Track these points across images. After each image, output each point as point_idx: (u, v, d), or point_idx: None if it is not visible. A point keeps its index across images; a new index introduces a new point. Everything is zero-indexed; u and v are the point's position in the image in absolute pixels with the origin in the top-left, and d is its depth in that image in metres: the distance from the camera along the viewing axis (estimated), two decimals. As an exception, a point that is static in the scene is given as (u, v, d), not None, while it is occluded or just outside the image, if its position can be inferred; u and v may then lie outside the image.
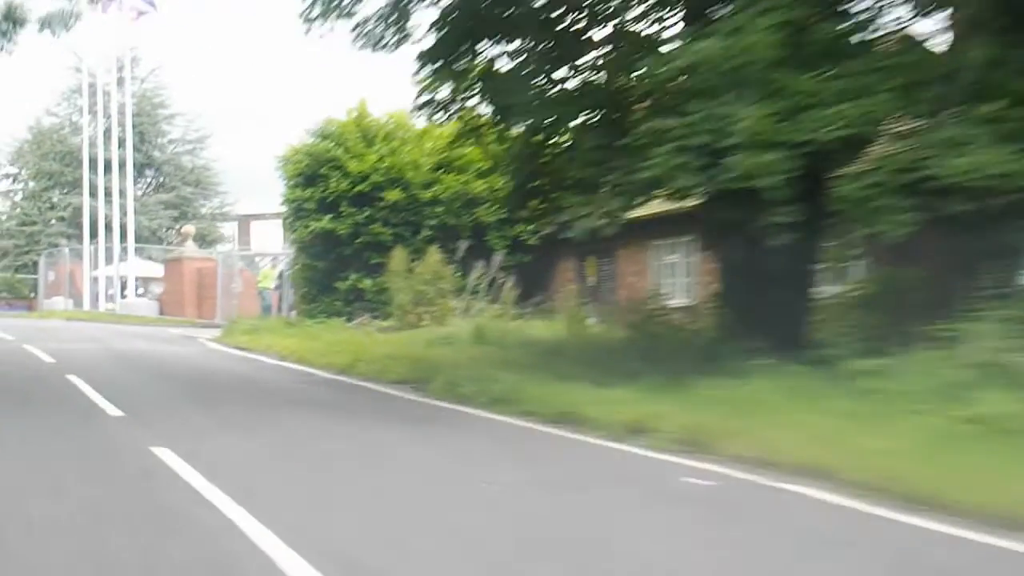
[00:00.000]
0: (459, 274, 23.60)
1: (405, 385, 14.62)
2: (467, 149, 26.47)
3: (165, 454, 8.71)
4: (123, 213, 41.65)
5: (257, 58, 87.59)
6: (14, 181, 53.40)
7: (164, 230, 50.64)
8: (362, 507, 6.99)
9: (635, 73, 12.69)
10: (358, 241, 25.56)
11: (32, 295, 48.87)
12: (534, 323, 20.24)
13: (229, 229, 55.80)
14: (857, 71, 11.07)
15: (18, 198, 53.20)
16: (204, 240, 46.82)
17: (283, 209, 27.40)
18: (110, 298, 41.15)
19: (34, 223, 51.09)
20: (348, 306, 25.79)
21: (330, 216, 25.64)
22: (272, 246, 53.21)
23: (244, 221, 57.45)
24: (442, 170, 26.25)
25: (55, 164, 50.95)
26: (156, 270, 42.94)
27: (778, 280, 13.16)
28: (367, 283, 25.62)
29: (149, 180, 52.62)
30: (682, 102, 11.14)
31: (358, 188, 25.53)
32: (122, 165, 41.93)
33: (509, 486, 7.71)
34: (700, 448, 8.95)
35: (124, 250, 41.10)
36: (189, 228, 42.78)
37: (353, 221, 25.51)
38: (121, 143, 42.21)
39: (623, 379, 12.13)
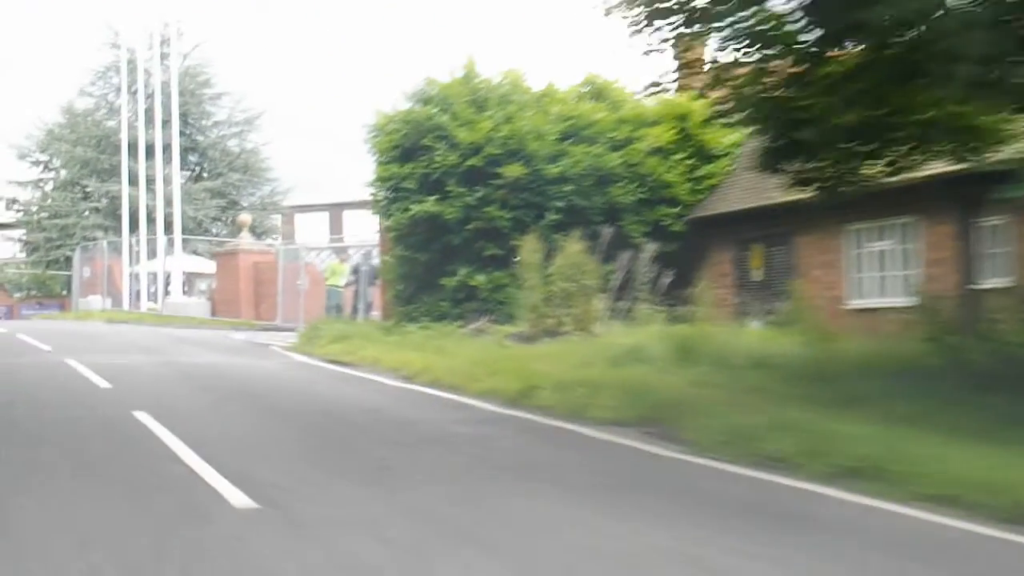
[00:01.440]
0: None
1: (631, 428, 9.96)
2: (599, 115, 21.94)
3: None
4: (167, 202, 37.03)
5: (289, 48, 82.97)
6: (45, 169, 48.81)
7: (211, 221, 45.88)
8: None
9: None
10: (469, 227, 20.61)
11: (65, 293, 45.09)
12: (734, 332, 15.47)
13: (276, 221, 51.20)
14: None
15: (49, 188, 48.63)
16: (254, 232, 41.98)
17: (373, 190, 22.48)
18: (152, 296, 36.76)
19: (67, 215, 46.58)
20: (457, 307, 20.90)
21: (435, 197, 20.70)
22: (317, 240, 48.80)
23: (288, 214, 53.14)
24: (569, 140, 21.35)
25: (90, 150, 46.41)
26: (204, 265, 38.49)
27: None
28: (480, 279, 20.74)
29: (193, 166, 47.88)
30: None
31: (469, 162, 20.59)
32: (165, 149, 37.32)
33: None
34: None
35: (169, 243, 36.60)
36: (245, 217, 37.94)
37: (463, 203, 20.53)
38: (164, 124, 37.53)
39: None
